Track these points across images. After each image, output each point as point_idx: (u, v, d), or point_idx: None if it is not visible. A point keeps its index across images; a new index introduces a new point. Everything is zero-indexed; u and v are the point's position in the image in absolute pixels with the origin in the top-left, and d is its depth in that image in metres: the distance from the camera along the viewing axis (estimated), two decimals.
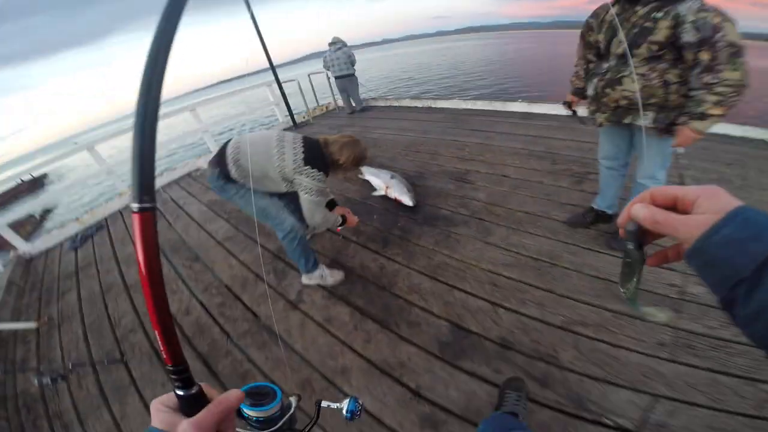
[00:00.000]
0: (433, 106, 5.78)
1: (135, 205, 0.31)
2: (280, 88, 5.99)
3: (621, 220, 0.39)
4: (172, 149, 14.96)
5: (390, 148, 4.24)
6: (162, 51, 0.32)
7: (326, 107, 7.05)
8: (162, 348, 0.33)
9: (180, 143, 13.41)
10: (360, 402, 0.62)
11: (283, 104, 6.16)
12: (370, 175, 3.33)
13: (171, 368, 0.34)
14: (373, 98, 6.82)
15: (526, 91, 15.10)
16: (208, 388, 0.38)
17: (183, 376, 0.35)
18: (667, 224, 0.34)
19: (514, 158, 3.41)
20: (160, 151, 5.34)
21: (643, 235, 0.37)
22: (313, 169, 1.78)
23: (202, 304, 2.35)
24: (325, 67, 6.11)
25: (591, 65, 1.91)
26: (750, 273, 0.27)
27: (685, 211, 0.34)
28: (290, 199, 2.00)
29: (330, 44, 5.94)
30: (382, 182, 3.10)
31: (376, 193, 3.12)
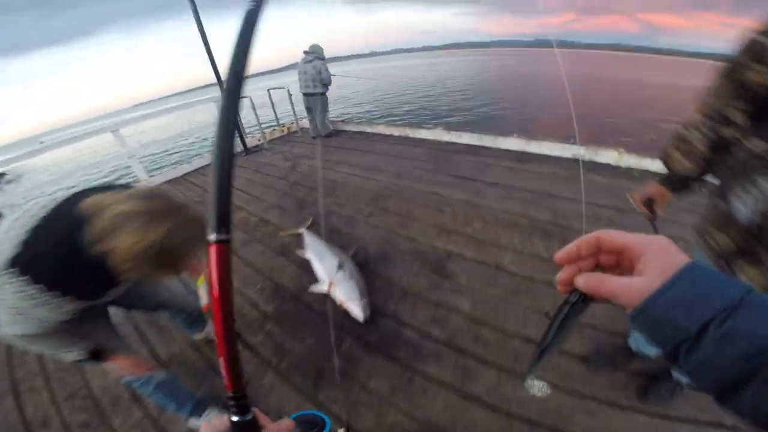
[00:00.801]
0: (411, 135, 4.84)
1: (213, 236, 0.32)
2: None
3: (560, 277, 0.37)
4: (88, 177, 12.20)
5: (351, 199, 3.25)
6: (237, 87, 0.33)
7: (288, 128, 6.02)
8: (225, 375, 0.34)
9: (99, 171, 11.45)
10: None
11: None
12: (311, 252, 2.31)
13: (231, 394, 0.35)
14: (342, 120, 5.85)
15: (510, 109, 14.59)
16: (260, 416, 0.39)
17: (241, 403, 0.36)
18: (606, 292, 0.33)
19: (512, 233, 2.48)
20: (67, 180, 4.17)
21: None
22: (23, 277, 0.84)
23: (60, 415, 1.64)
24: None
25: (727, 132, 0.89)
26: (693, 335, 0.28)
27: (629, 264, 0.33)
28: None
29: (304, 53, 4.97)
30: (324, 273, 2.09)
31: (315, 288, 2.09)
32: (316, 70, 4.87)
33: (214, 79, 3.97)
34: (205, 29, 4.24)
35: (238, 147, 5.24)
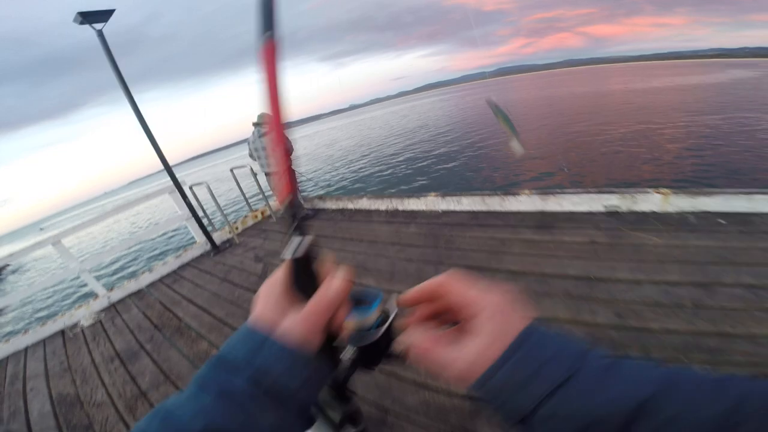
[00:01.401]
0: (401, 208, 4.10)
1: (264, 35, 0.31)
2: (183, 196, 4.21)
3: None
4: (39, 297, 10.48)
5: None
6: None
7: (261, 213, 5.31)
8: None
9: (47, 289, 10.58)
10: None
11: (201, 215, 4.38)
12: None
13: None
14: (319, 197, 5.16)
15: (493, 139, 14.33)
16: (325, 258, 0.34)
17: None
18: (434, 364, 0.31)
19: None
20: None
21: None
22: None
23: None
24: (250, 156, 4.49)
25: None
26: (530, 411, 0.26)
27: (464, 323, 0.31)
28: None
29: (254, 125, 4.24)
30: None
31: None
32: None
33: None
34: (142, 113, 3.61)
35: (206, 245, 4.47)
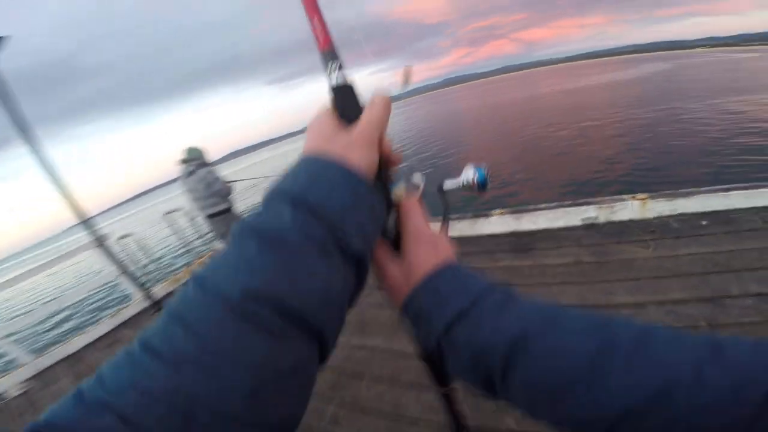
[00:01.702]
0: None
1: None
2: (109, 250, 3.50)
3: None
4: None
5: None
6: None
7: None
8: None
9: None
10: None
11: (138, 268, 3.66)
12: None
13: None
14: None
15: (454, 150, 14.48)
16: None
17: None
18: (379, 272, 0.36)
19: None
20: None
21: None
22: None
23: None
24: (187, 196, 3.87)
25: None
26: (439, 336, 0.30)
27: (404, 243, 0.36)
28: None
29: (182, 161, 3.61)
30: None
31: None
32: (203, 183, 3.57)
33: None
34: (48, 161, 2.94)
35: (145, 302, 3.75)
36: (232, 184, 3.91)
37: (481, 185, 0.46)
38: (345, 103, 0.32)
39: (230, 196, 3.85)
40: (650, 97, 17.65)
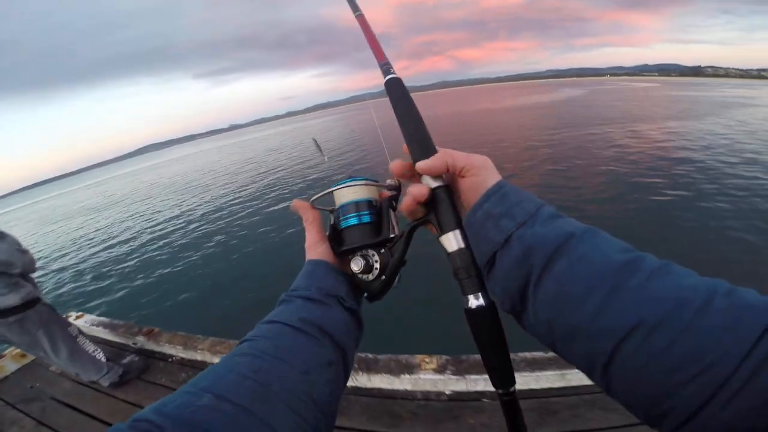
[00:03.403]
0: None
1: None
2: None
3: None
4: None
5: None
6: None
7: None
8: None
9: None
10: None
11: None
12: None
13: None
14: (141, 331, 2.36)
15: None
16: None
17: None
18: (456, 163, 0.39)
19: None
20: None
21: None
22: None
23: None
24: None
25: None
26: (500, 246, 0.34)
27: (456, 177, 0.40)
28: None
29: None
30: None
31: None
32: None
33: None
34: None
35: None
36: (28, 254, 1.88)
37: None
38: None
39: (29, 272, 1.82)
40: (574, 120, 18.48)
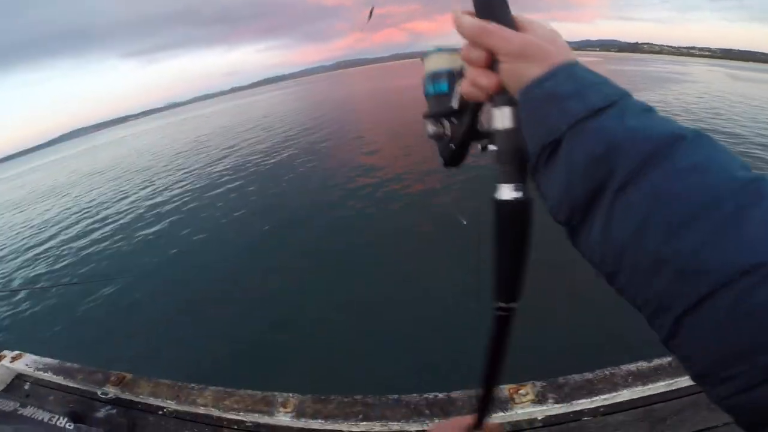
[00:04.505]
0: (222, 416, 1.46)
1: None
2: None
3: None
4: None
5: None
6: None
7: None
8: None
9: None
10: None
11: None
12: None
13: None
14: (120, 379, 1.78)
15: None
16: None
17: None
18: (490, 45, 0.30)
19: None
20: None
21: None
22: None
23: None
24: None
25: None
26: (562, 134, 0.26)
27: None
28: None
29: None
30: None
31: None
32: None
33: None
34: None
35: None
36: None
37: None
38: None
39: None
40: None
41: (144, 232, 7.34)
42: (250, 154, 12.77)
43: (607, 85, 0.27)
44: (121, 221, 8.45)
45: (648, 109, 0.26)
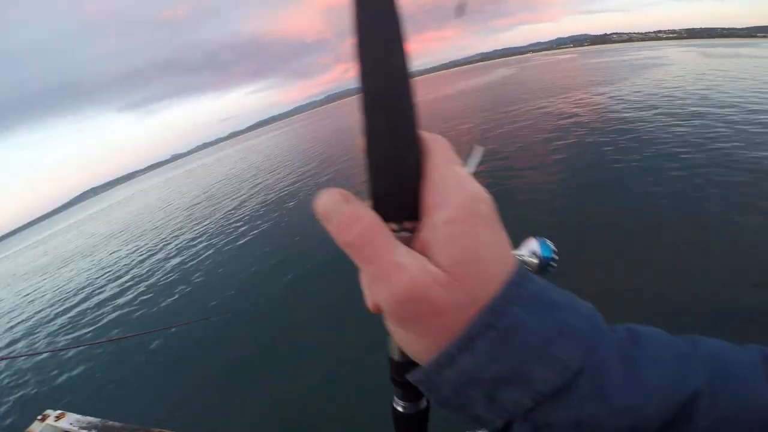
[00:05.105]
0: None
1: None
2: None
3: None
4: None
5: None
6: None
7: None
8: None
9: None
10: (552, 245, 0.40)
11: None
12: None
13: None
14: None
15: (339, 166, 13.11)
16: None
17: None
18: (370, 263, 0.19)
19: None
20: None
21: None
22: None
23: None
24: None
25: None
26: (519, 417, 0.17)
27: (423, 216, 0.20)
28: None
29: None
30: None
31: None
32: None
33: None
34: None
35: None
36: None
37: (545, 263, 0.40)
38: None
39: None
40: (514, 98, 19.45)
41: (180, 287, 7.52)
42: (261, 201, 12.90)
43: (570, 333, 0.17)
44: (149, 281, 8.65)
45: (631, 354, 0.18)
